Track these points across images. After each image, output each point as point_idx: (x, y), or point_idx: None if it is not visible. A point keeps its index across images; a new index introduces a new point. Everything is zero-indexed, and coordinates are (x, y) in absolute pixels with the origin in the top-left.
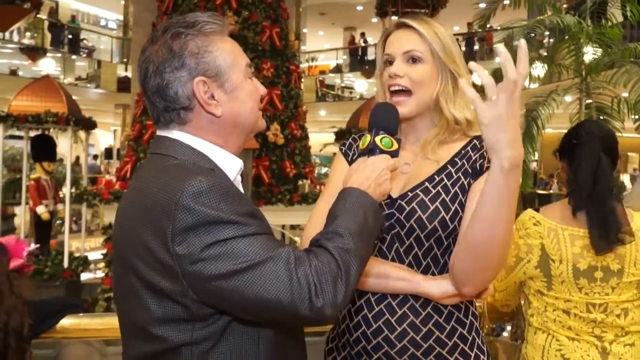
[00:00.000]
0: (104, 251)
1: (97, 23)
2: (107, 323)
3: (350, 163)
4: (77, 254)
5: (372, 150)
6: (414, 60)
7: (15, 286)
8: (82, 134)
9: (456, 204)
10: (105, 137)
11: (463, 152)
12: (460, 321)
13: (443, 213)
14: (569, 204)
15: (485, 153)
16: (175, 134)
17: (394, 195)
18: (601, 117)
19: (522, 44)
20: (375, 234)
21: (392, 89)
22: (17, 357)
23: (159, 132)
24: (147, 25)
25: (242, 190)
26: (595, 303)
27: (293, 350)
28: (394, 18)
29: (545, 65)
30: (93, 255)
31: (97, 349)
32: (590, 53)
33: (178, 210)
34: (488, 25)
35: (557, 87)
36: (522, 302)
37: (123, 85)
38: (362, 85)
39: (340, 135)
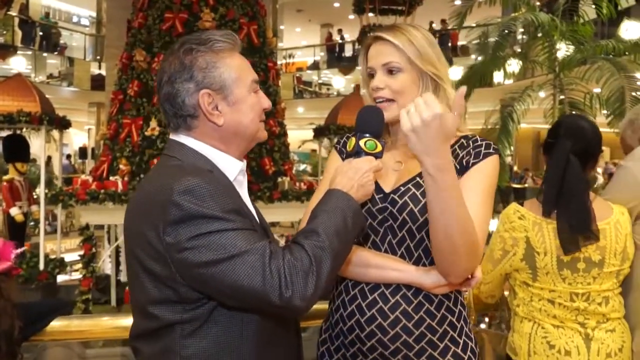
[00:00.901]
0: (81, 252)
1: (69, 20)
2: (97, 324)
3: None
4: (52, 256)
5: (357, 152)
6: (392, 71)
7: (4, 289)
8: (55, 133)
9: None
10: (79, 136)
11: (451, 149)
12: (450, 309)
13: None
14: (539, 202)
15: (471, 150)
16: (183, 138)
17: (387, 190)
18: (573, 113)
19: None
20: (354, 234)
21: (377, 100)
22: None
23: (171, 136)
24: (122, 22)
25: (245, 188)
26: (578, 292)
27: (282, 338)
28: (371, 15)
29: (520, 62)
30: (68, 257)
31: (76, 353)
32: (563, 50)
33: (169, 206)
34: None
35: (532, 83)
36: (507, 292)
37: (97, 83)
38: (339, 82)
39: (319, 132)
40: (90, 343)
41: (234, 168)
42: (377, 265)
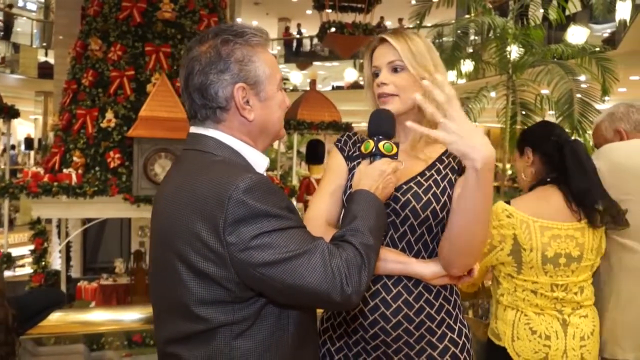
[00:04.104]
0: (32, 247)
1: (14, 4)
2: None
3: (346, 158)
4: None
5: (374, 154)
6: (396, 69)
7: None
8: None
9: (445, 197)
10: (23, 125)
11: (449, 151)
12: (446, 298)
13: (434, 204)
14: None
15: None
16: (211, 131)
17: None
18: (523, 113)
19: (436, 78)
20: (383, 231)
21: (381, 97)
22: (7, 349)
23: (194, 129)
24: (73, 9)
25: None
26: (558, 284)
27: (312, 328)
28: (329, 11)
29: (473, 62)
30: (15, 252)
31: (28, 351)
32: (515, 52)
33: (231, 204)
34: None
35: (487, 83)
36: (491, 282)
37: (44, 71)
38: (297, 77)
39: None
40: (42, 340)
41: (263, 164)
42: (381, 257)
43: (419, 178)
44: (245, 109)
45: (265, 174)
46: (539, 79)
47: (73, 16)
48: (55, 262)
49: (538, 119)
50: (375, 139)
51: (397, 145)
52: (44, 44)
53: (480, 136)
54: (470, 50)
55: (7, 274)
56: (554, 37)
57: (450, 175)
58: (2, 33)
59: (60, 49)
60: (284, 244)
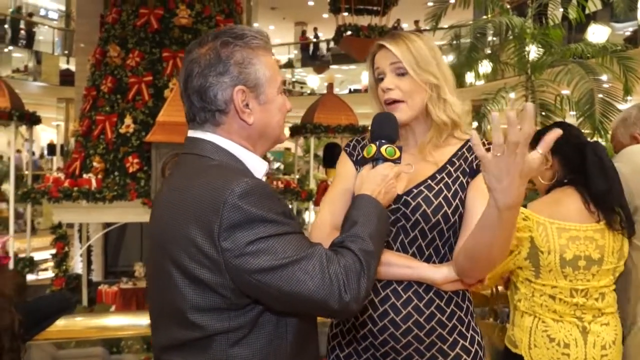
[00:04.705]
0: (52, 251)
1: (36, 13)
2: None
3: (355, 163)
4: (21, 255)
5: (377, 159)
6: (400, 73)
7: None
8: (22, 129)
9: (457, 200)
10: (46, 132)
11: (459, 153)
12: (458, 305)
13: (445, 208)
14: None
15: None
16: (209, 135)
17: (399, 192)
18: (543, 114)
19: (528, 107)
20: (385, 237)
21: (387, 102)
22: (12, 355)
23: (193, 133)
24: (94, 17)
25: None
26: (578, 288)
27: (312, 336)
28: (345, 14)
29: (491, 63)
30: (37, 256)
31: (48, 353)
32: (533, 52)
33: (226, 209)
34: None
35: (506, 84)
36: (501, 288)
37: (66, 78)
38: (313, 81)
39: (295, 131)
40: (62, 344)
41: (261, 168)
42: (390, 262)
43: (429, 181)
44: (245, 112)
45: (264, 179)
46: (559, 79)
47: (93, 24)
48: (77, 265)
49: (558, 120)
50: (377, 143)
51: (400, 149)
52: (66, 52)
53: (516, 182)
54: (488, 51)
55: (30, 277)
56: (574, 37)
57: (461, 178)
58: (24, 42)
59: (81, 57)
60: (281, 249)
